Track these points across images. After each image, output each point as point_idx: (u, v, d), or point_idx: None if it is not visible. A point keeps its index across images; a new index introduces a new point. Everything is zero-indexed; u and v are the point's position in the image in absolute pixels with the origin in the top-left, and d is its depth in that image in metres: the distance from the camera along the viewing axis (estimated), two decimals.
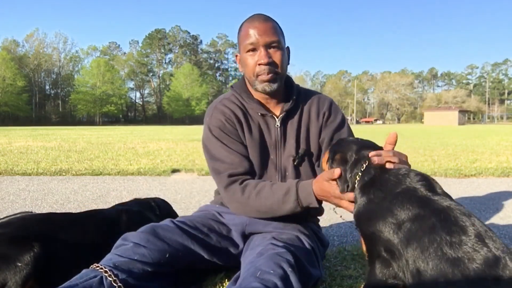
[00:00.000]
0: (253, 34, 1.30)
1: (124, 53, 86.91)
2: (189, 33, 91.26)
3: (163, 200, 1.95)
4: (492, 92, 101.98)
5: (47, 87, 76.23)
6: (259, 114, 1.42)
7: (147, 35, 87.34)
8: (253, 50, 1.32)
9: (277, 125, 1.42)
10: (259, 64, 1.32)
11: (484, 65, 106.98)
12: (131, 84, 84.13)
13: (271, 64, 1.32)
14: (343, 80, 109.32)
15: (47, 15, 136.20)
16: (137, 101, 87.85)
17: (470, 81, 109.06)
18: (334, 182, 1.14)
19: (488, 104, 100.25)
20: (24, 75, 61.70)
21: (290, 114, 1.44)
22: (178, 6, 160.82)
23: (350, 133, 1.50)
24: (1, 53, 57.15)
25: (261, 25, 1.30)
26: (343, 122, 1.48)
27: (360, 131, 22.05)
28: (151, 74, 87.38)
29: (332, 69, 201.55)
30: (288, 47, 1.43)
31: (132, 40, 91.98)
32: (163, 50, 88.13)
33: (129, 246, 1.21)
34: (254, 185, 1.32)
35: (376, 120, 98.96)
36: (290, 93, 1.44)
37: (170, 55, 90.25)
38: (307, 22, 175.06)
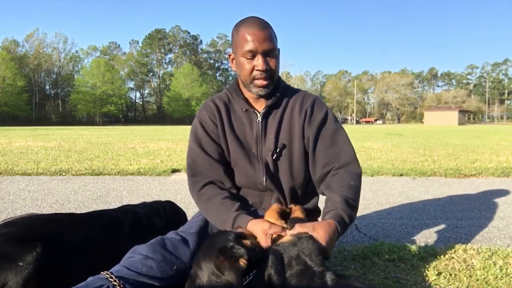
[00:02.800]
0: (252, 41, 1.34)
1: (124, 53, 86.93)
2: (189, 33, 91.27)
3: (173, 207, 1.89)
4: (492, 92, 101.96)
5: (47, 87, 76.26)
6: (244, 109, 1.48)
7: (147, 35, 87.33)
8: (251, 56, 1.37)
9: (259, 120, 1.47)
10: (257, 70, 1.38)
11: (484, 65, 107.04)
12: (131, 84, 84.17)
13: (268, 71, 1.38)
14: (343, 80, 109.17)
15: (47, 15, 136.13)
16: (137, 101, 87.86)
17: (470, 81, 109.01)
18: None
19: (488, 104, 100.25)
20: (24, 75, 61.68)
21: (272, 110, 1.48)
22: (178, 6, 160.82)
23: (336, 127, 1.47)
24: (1, 53, 57.11)
25: (259, 33, 1.34)
26: (326, 116, 1.48)
27: (360, 131, 22.07)
28: (151, 74, 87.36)
29: (332, 69, 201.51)
30: (279, 49, 1.46)
31: (132, 40, 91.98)
32: (163, 50, 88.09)
33: (137, 259, 1.22)
34: (207, 199, 1.42)
35: (376, 120, 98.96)
36: (275, 90, 1.48)
37: (170, 55, 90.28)
38: (307, 22, 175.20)
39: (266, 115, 1.48)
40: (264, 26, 1.37)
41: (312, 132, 1.45)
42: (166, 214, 1.77)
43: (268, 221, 1.23)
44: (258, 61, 1.36)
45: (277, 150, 1.45)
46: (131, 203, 1.82)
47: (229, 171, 1.50)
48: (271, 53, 1.37)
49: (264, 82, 1.39)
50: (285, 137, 1.46)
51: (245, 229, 1.24)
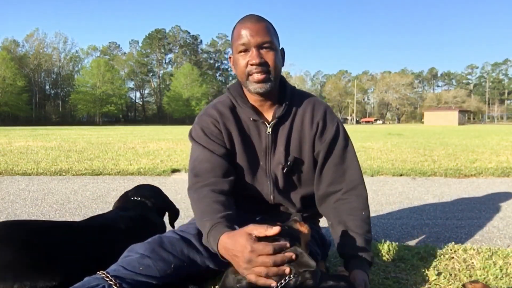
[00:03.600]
0: (245, 35, 1.27)
1: (124, 53, 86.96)
2: (189, 33, 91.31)
3: (160, 196, 1.87)
4: (492, 92, 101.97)
5: (47, 87, 76.27)
6: (251, 119, 1.39)
7: (147, 35, 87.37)
8: (245, 50, 1.30)
9: (268, 132, 1.38)
10: (251, 64, 1.29)
11: (484, 65, 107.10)
12: (131, 84, 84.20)
13: (263, 64, 1.28)
14: (343, 80, 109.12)
15: (47, 15, 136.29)
16: (137, 101, 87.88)
17: (470, 81, 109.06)
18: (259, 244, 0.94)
19: (488, 104, 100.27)
20: (24, 75, 61.70)
21: (282, 120, 1.40)
22: (178, 6, 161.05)
23: (346, 143, 1.43)
24: (1, 53, 57.14)
25: (253, 26, 1.28)
26: (337, 131, 1.42)
27: (360, 131, 22.06)
28: (151, 74, 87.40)
29: (332, 69, 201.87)
30: (282, 49, 1.39)
31: (132, 40, 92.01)
32: (163, 50, 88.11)
33: (134, 258, 1.20)
34: (197, 199, 1.30)
35: (376, 120, 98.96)
36: (283, 96, 1.40)
37: (170, 55, 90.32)
38: (307, 22, 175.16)
39: (276, 126, 1.39)
40: (258, 20, 1.30)
41: (323, 148, 1.39)
42: (157, 207, 1.77)
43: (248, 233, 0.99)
44: (252, 54, 1.28)
45: (288, 164, 1.38)
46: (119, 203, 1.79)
47: (235, 179, 1.37)
48: (266, 46, 1.29)
49: (261, 76, 1.28)
50: (295, 149, 1.40)
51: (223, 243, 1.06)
